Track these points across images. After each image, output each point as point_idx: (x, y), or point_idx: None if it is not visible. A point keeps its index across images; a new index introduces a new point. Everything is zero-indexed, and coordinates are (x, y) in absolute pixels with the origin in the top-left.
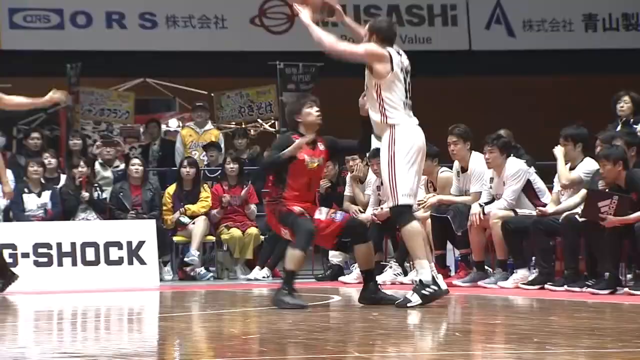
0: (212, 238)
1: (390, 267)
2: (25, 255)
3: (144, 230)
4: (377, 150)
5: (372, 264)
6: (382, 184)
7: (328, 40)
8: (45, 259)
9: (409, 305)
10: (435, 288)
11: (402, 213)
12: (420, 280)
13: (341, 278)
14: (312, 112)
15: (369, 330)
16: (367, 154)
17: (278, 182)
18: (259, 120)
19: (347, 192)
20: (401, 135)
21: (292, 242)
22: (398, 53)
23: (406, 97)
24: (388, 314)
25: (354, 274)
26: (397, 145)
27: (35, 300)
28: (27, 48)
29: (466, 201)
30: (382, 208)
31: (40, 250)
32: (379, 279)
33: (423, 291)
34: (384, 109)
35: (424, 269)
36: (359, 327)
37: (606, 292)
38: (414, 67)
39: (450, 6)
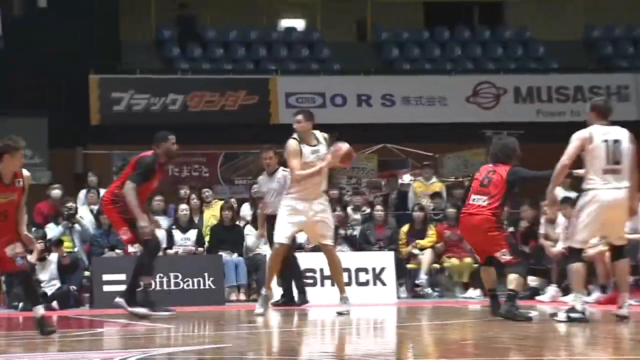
0: (437, 265)
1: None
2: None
3: (385, 260)
4: (566, 198)
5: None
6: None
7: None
8: (311, 281)
9: (555, 318)
10: (582, 316)
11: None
12: (573, 307)
13: (538, 297)
14: None
15: (559, 339)
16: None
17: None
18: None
19: (542, 230)
20: (589, 196)
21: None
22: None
23: (606, 163)
24: (574, 327)
25: (548, 294)
26: (581, 201)
27: (303, 312)
28: None
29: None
30: None
31: (309, 274)
32: (567, 298)
33: (572, 314)
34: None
35: (579, 300)
36: (551, 335)
37: None
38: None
39: (623, 86)
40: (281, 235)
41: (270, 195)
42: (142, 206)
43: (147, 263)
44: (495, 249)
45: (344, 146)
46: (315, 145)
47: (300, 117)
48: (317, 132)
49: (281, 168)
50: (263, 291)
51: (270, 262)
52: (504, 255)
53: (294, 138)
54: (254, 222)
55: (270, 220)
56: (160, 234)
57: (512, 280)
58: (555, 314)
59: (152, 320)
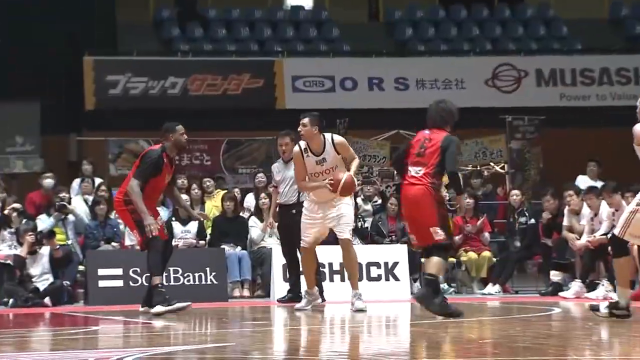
0: (453, 260)
1: (602, 285)
2: None
3: (397, 253)
4: (592, 187)
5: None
6: (595, 215)
7: None
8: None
9: (597, 313)
10: (625, 313)
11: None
12: (617, 302)
13: (561, 293)
14: None
15: (584, 337)
16: (583, 191)
17: None
18: (491, 163)
19: (566, 222)
20: None
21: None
22: None
23: None
24: (601, 324)
25: (572, 290)
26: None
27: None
28: (305, 107)
29: None
30: (594, 236)
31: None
32: (593, 294)
33: (614, 310)
34: None
35: (623, 295)
36: (576, 334)
37: None
38: (628, 120)
39: None
40: (303, 237)
41: (286, 183)
42: (153, 204)
43: (153, 263)
44: (430, 224)
45: (344, 178)
46: (321, 154)
47: (305, 120)
48: (327, 137)
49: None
50: (306, 293)
51: (303, 265)
52: (438, 233)
53: (299, 144)
54: (258, 213)
55: (283, 210)
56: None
57: (435, 264)
58: (596, 308)
59: (151, 318)
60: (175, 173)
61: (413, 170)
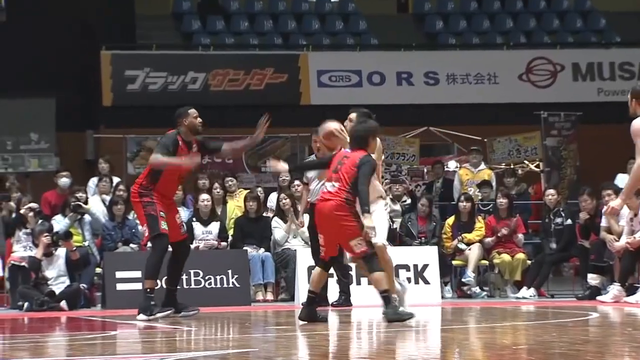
0: (485, 262)
1: None
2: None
3: (428, 255)
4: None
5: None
6: (635, 215)
7: None
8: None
9: None
10: None
11: None
12: None
13: (599, 297)
14: None
15: (623, 343)
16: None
17: None
18: (525, 161)
19: (604, 223)
20: None
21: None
22: None
23: None
24: None
25: (610, 294)
26: None
27: (337, 313)
28: (331, 103)
29: None
30: (634, 237)
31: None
32: (632, 298)
33: None
34: None
35: None
36: (614, 340)
37: None
38: None
39: None
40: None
41: (317, 181)
42: (171, 192)
43: (150, 264)
44: (348, 237)
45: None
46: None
47: (353, 115)
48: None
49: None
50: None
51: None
52: (359, 244)
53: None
54: (281, 214)
55: (313, 209)
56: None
57: (379, 279)
58: None
59: (172, 322)
60: (197, 171)
61: (329, 185)
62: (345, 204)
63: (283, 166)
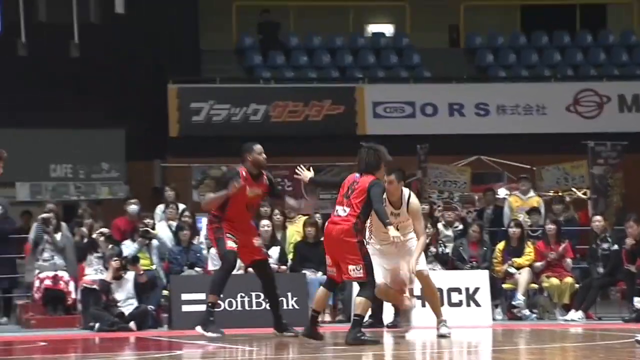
0: (535, 285)
1: None
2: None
3: (479, 279)
4: None
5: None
6: None
7: None
8: None
9: None
10: None
11: None
12: None
13: None
14: None
15: None
16: None
17: None
18: (572, 189)
19: None
20: None
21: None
22: None
23: None
24: None
25: None
26: None
27: (392, 334)
28: (386, 133)
29: None
30: None
31: None
32: None
33: None
34: None
35: None
36: None
37: None
38: None
39: None
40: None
41: None
42: (243, 218)
43: (216, 278)
44: (348, 262)
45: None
46: (399, 209)
47: (392, 177)
48: (405, 193)
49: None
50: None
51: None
52: (356, 271)
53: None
54: None
55: None
56: None
57: (359, 303)
58: None
59: (233, 342)
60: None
61: (340, 209)
62: (353, 230)
63: (307, 175)
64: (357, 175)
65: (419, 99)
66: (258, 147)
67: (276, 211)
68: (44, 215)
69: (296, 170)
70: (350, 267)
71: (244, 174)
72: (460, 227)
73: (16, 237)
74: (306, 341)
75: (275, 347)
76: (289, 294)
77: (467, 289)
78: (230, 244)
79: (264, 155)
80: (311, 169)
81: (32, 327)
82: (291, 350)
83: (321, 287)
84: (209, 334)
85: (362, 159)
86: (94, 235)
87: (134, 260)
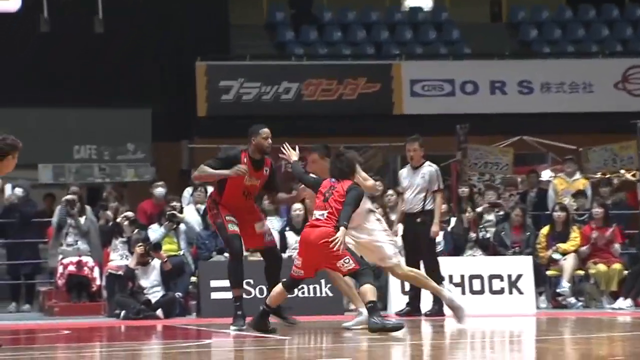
0: (581, 272)
1: None
2: None
3: (522, 265)
4: None
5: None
6: None
7: None
8: None
9: None
10: None
11: None
12: None
13: None
14: None
15: None
16: None
17: None
18: (621, 171)
19: None
20: None
21: None
22: None
23: None
24: None
25: None
26: None
27: (430, 323)
28: (424, 112)
29: None
30: None
31: None
32: None
33: None
34: None
35: None
36: None
37: None
38: None
39: None
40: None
41: (412, 190)
42: (239, 204)
43: (231, 269)
44: (336, 260)
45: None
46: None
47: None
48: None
49: (427, 163)
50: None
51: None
52: (346, 264)
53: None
54: None
55: (408, 218)
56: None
57: (367, 291)
58: None
59: (266, 331)
60: (290, 181)
61: (318, 214)
62: (334, 232)
63: (292, 154)
64: (333, 180)
65: (459, 77)
66: (265, 131)
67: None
68: (68, 197)
69: (282, 149)
70: (339, 263)
71: (245, 159)
72: (502, 211)
73: (38, 221)
74: (341, 329)
75: (307, 336)
76: (323, 281)
77: (509, 276)
78: (232, 227)
79: (270, 141)
80: (297, 148)
81: (55, 315)
82: (325, 340)
83: (280, 285)
84: (232, 327)
85: (336, 167)
86: (118, 219)
87: (156, 247)
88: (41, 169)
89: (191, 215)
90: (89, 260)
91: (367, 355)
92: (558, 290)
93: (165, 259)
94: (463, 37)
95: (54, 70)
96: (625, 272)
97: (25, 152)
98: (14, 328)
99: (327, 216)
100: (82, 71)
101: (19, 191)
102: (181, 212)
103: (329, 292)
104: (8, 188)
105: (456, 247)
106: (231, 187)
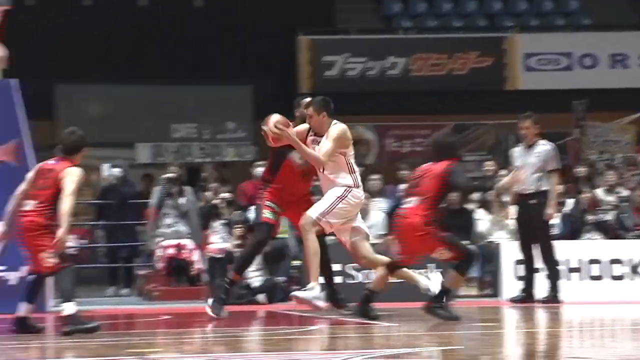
0: None
1: None
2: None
3: None
4: None
5: None
6: None
7: None
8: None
9: None
10: None
11: None
12: None
13: None
14: None
15: None
16: None
17: None
18: None
19: None
20: None
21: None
22: None
23: None
24: None
25: None
26: None
27: (546, 310)
28: (539, 87)
29: None
30: None
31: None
32: None
33: None
34: None
35: None
36: None
37: None
38: None
39: None
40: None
41: (527, 170)
42: (292, 197)
43: (243, 254)
44: (431, 251)
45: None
46: None
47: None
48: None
49: (542, 141)
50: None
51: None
52: (442, 255)
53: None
54: (485, 205)
55: (522, 199)
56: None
57: (451, 276)
58: None
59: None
60: (397, 160)
61: (407, 201)
62: (422, 219)
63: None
64: (429, 164)
65: (577, 50)
66: (304, 101)
67: None
68: (169, 174)
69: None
70: (436, 254)
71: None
72: (624, 192)
73: (136, 202)
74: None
75: (413, 322)
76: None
77: (631, 260)
78: (267, 215)
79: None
80: (291, 125)
81: (154, 299)
82: (431, 327)
83: (384, 269)
84: (211, 312)
85: (435, 147)
86: (215, 201)
87: (251, 229)
88: (139, 148)
89: None
90: (188, 242)
91: (479, 343)
92: None
93: None
94: (582, 7)
95: (152, 46)
96: None
97: (123, 130)
98: (112, 313)
99: (419, 203)
100: (181, 47)
101: (117, 171)
102: None
103: None
104: (106, 168)
105: (573, 230)
106: (288, 167)
